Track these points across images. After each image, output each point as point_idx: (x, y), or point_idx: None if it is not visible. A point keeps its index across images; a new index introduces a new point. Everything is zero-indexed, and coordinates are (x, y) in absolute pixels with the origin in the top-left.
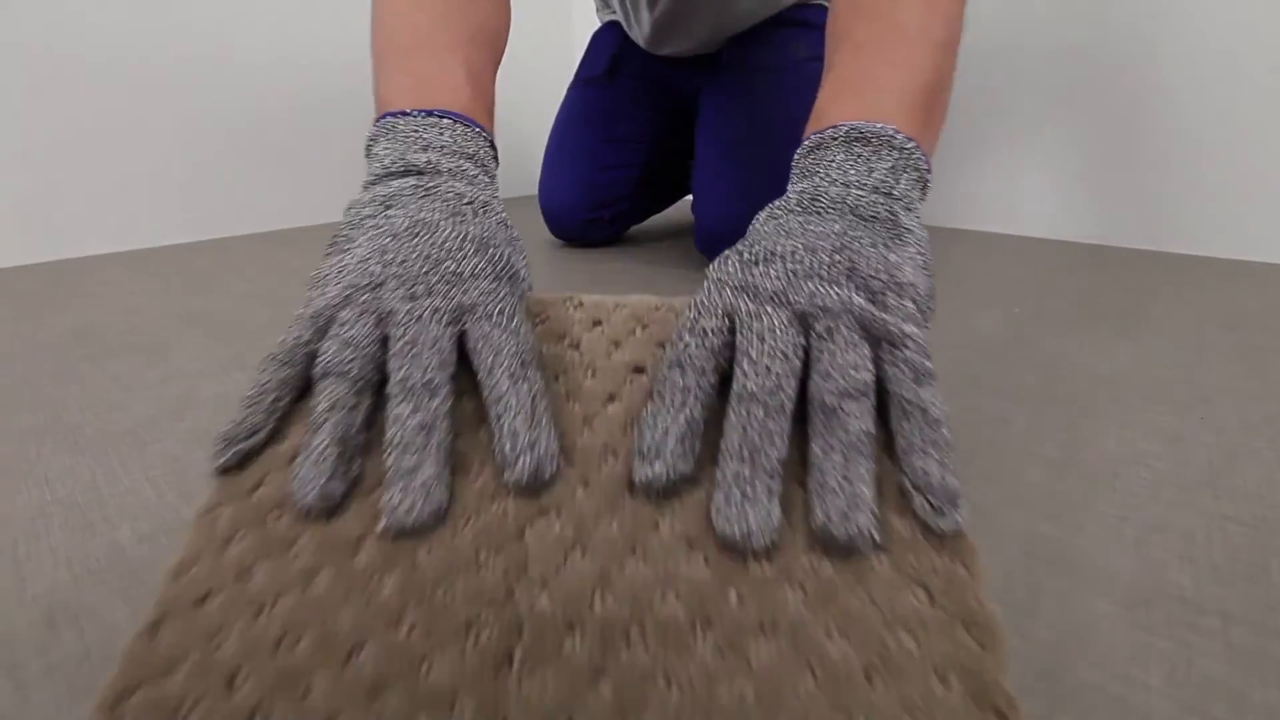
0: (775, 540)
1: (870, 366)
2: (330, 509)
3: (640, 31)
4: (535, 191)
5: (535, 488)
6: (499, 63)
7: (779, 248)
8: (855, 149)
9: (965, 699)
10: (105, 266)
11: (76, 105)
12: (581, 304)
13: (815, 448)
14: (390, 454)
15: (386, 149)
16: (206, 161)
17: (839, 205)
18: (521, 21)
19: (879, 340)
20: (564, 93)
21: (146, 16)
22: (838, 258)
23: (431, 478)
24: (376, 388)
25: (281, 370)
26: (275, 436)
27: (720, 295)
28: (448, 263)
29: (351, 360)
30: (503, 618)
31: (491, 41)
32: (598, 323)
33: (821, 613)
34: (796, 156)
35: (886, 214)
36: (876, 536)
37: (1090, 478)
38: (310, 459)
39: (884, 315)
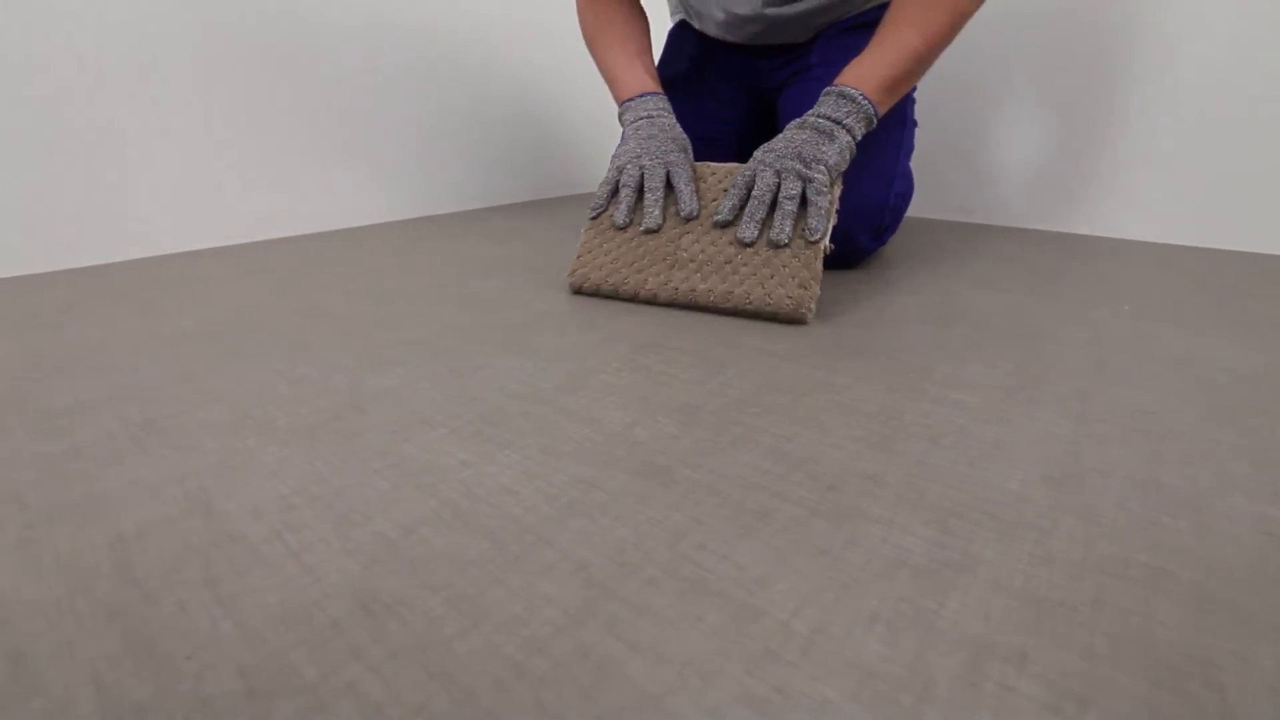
0: (753, 241)
1: (799, 190)
2: (624, 228)
3: (719, 19)
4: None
5: (688, 219)
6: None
7: (776, 144)
8: (839, 100)
9: (796, 283)
10: (192, 263)
11: (133, 104)
12: (710, 166)
13: (774, 216)
14: (646, 209)
15: (631, 113)
16: (275, 161)
17: (812, 125)
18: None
19: (806, 180)
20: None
21: (242, 10)
22: (794, 149)
23: (658, 215)
24: (640, 190)
25: (606, 187)
26: (606, 207)
27: (752, 163)
28: (663, 148)
29: (631, 181)
30: (670, 256)
31: (647, 48)
32: (714, 173)
33: (765, 261)
34: (820, 94)
35: (829, 129)
36: (787, 241)
37: None
38: (618, 211)
39: (808, 171)
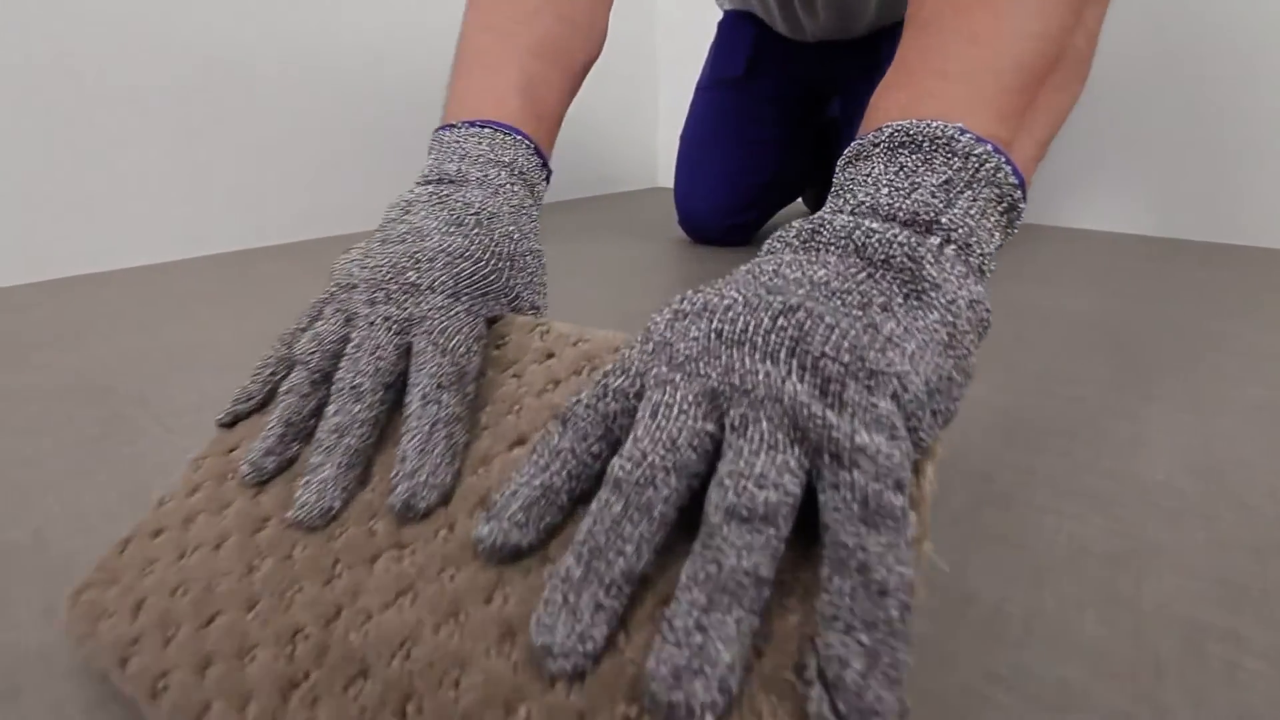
0: (582, 668)
1: (789, 484)
2: (261, 481)
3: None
4: (647, 185)
5: (406, 516)
6: (573, 73)
7: (718, 299)
8: (899, 158)
9: None
10: (250, 261)
11: (185, 108)
12: (548, 333)
13: (683, 575)
14: (313, 453)
15: (432, 159)
16: (328, 162)
17: (842, 241)
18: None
19: (819, 450)
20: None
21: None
22: (782, 321)
23: (328, 479)
24: (328, 382)
25: (280, 349)
26: (256, 405)
27: (641, 351)
28: (410, 273)
29: (312, 353)
30: (320, 637)
31: (556, 54)
32: (550, 355)
33: None
34: (836, 170)
35: (904, 258)
36: (726, 695)
37: None
38: (260, 434)
39: (829, 415)
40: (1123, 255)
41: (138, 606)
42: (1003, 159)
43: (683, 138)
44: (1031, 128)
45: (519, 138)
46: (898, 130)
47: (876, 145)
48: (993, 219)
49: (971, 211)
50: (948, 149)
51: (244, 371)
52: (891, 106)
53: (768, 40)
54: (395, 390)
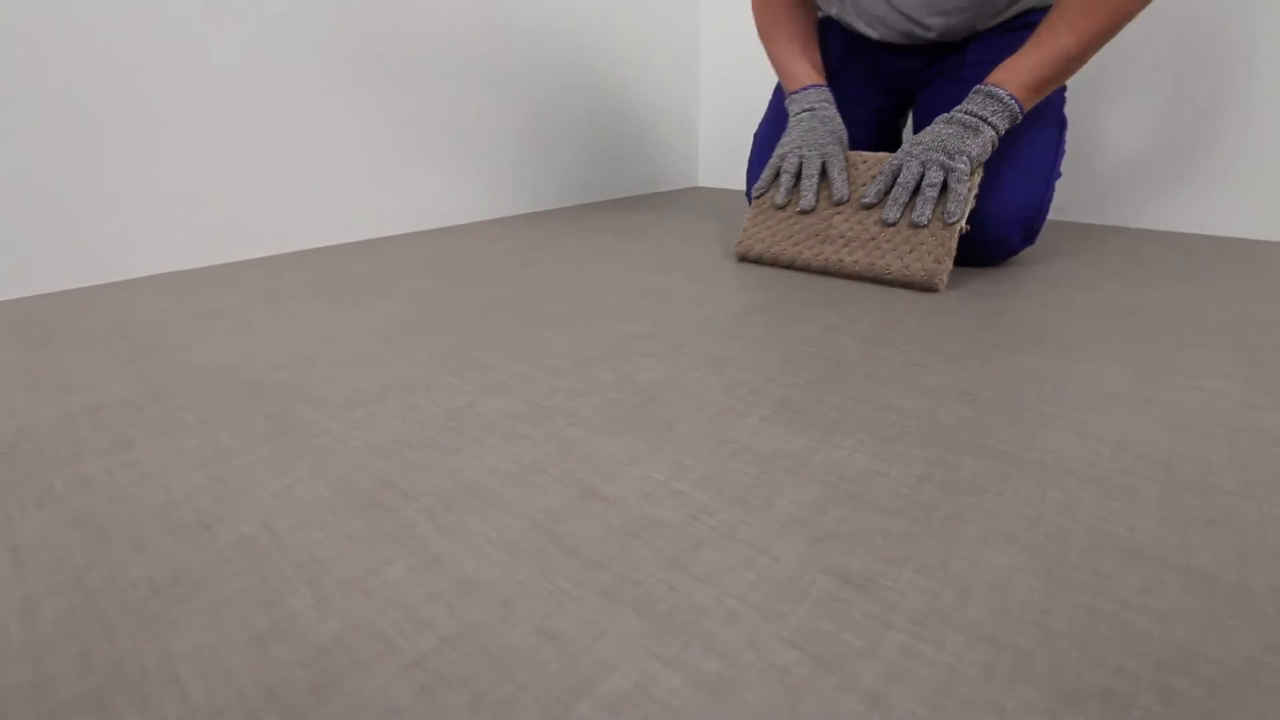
0: (896, 222)
1: (941, 179)
2: (782, 207)
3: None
4: (688, 185)
5: (839, 202)
6: (815, 42)
7: (924, 137)
8: (986, 99)
9: (931, 258)
10: (331, 259)
11: (277, 107)
12: (862, 155)
13: (916, 201)
14: (802, 192)
15: (797, 104)
16: (382, 162)
17: (959, 120)
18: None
19: (948, 170)
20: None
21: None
22: (940, 142)
23: (811, 199)
24: (798, 176)
25: (768, 173)
26: (768, 189)
27: (900, 155)
28: (821, 140)
29: (791, 168)
30: (822, 233)
31: (811, 37)
32: (865, 161)
33: (905, 239)
34: (970, 92)
35: (974, 123)
36: (926, 223)
37: None
38: (778, 193)
39: (951, 162)
40: (1193, 254)
41: (762, 240)
42: (1017, 104)
43: (760, 137)
44: (1038, 94)
45: (824, 89)
46: (990, 89)
47: (979, 92)
48: (1005, 121)
49: (998, 117)
50: (999, 100)
51: (376, 366)
52: (996, 76)
53: (856, 45)
54: (821, 176)
